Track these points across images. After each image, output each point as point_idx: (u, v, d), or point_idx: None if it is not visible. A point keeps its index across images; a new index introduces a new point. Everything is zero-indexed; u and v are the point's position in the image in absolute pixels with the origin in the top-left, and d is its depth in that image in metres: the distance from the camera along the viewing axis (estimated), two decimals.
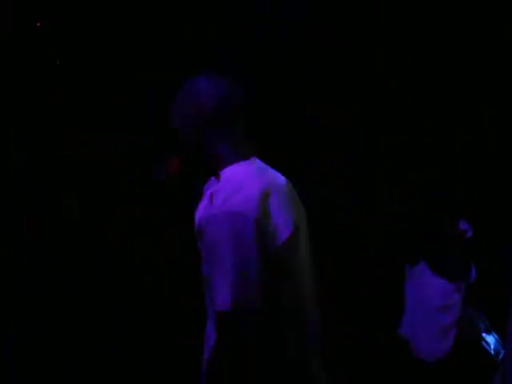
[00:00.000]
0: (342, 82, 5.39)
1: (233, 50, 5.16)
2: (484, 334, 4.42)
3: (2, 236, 4.10)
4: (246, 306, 1.87)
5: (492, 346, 4.40)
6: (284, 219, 1.97)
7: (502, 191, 4.89)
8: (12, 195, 4.12)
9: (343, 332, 5.11)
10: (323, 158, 5.39)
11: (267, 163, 2.25)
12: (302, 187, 5.02)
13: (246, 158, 2.10)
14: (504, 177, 4.90)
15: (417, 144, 5.29)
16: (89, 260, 4.50)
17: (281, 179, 2.15)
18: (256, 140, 2.28)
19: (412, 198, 5.02)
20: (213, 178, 2.06)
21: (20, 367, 4.12)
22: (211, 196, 1.98)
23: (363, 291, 5.07)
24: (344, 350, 5.08)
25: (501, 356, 4.31)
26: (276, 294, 1.96)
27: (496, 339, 4.44)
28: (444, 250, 4.69)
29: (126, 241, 4.20)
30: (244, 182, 1.99)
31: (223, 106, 2.10)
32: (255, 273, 1.88)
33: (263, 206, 1.93)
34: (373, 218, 5.11)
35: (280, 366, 2.02)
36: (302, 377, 2.08)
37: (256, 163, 2.13)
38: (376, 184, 5.39)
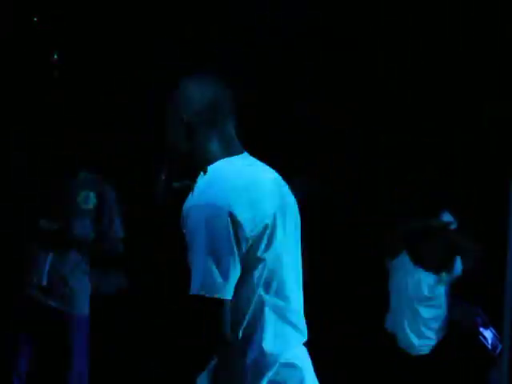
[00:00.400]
0: (341, 81, 5.39)
1: (233, 50, 5.16)
2: (482, 329, 4.42)
3: (1, 236, 4.11)
4: (213, 292, 1.98)
5: (489, 341, 4.41)
6: (260, 211, 2.05)
7: (500, 191, 4.90)
8: (12, 195, 4.12)
9: (343, 332, 5.11)
10: (323, 157, 5.39)
11: (267, 163, 2.29)
12: (301, 185, 5.03)
13: (235, 154, 2.18)
14: (503, 176, 4.90)
15: (417, 144, 5.29)
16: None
17: (268, 174, 2.21)
18: (246, 136, 2.33)
19: (412, 198, 5.03)
20: (202, 172, 2.14)
21: (19, 367, 4.13)
22: (193, 188, 2.09)
23: (363, 291, 5.07)
24: (344, 349, 5.08)
25: (498, 351, 4.31)
26: (250, 282, 2.05)
27: (494, 334, 4.44)
28: (425, 241, 4.68)
29: (126, 241, 4.20)
30: (224, 176, 2.09)
31: (213, 105, 2.18)
32: (226, 262, 1.99)
33: (239, 199, 2.02)
34: (373, 218, 5.11)
35: (252, 356, 2.08)
36: (273, 370, 2.10)
37: (245, 159, 2.20)
38: (376, 184, 5.40)
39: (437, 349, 4.61)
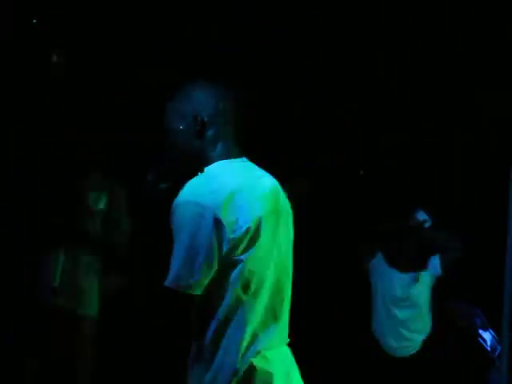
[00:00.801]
0: (341, 81, 5.39)
1: (233, 50, 5.16)
2: (481, 331, 4.40)
3: (1, 236, 4.11)
4: (183, 287, 2.08)
5: (488, 343, 4.39)
6: (244, 215, 2.11)
7: (500, 191, 4.90)
8: (12, 195, 4.13)
9: (342, 331, 5.12)
10: (323, 157, 5.39)
11: (267, 163, 2.33)
12: (301, 186, 5.03)
13: (234, 157, 2.25)
14: (503, 176, 4.90)
15: (417, 144, 5.29)
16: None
17: (262, 180, 2.27)
18: (250, 141, 2.39)
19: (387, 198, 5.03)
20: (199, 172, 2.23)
21: (20, 366, 4.13)
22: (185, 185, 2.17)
23: (357, 291, 5.06)
24: (334, 350, 5.08)
25: (497, 352, 4.30)
26: (225, 281, 2.12)
27: (492, 336, 4.42)
28: (399, 241, 4.65)
29: (128, 241, 4.21)
30: (217, 177, 2.16)
31: (224, 111, 2.27)
32: (202, 260, 2.07)
33: (225, 202, 2.09)
34: (373, 218, 5.11)
35: (222, 354, 2.13)
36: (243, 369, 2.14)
37: (242, 163, 2.27)
38: (376, 184, 5.40)
39: (422, 349, 4.57)
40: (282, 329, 2.26)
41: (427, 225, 4.57)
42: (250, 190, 2.18)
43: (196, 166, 2.22)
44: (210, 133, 2.23)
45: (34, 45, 5.11)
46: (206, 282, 2.09)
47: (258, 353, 2.16)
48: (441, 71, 5.21)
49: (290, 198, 2.37)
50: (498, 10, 4.95)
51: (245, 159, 2.29)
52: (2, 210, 4.14)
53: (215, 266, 2.09)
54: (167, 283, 2.10)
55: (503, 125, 4.95)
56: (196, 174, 2.19)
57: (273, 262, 2.23)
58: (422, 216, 4.59)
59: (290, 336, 2.32)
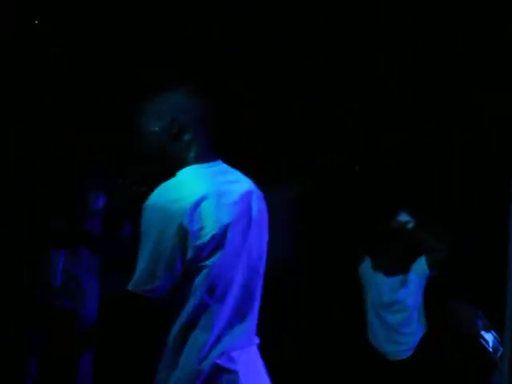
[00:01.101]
0: (341, 82, 5.39)
1: (233, 50, 5.16)
2: (483, 332, 4.38)
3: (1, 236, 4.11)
4: (143, 291, 2.12)
5: (490, 344, 4.37)
6: (210, 222, 2.14)
7: (500, 191, 4.89)
8: (12, 195, 4.13)
9: (344, 332, 5.11)
10: (323, 157, 5.38)
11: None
12: (301, 187, 5.03)
13: (208, 161, 2.28)
14: (503, 176, 4.90)
15: (417, 144, 5.28)
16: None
17: (234, 185, 2.29)
18: (246, 136, 2.41)
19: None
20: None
21: (21, 365, 4.14)
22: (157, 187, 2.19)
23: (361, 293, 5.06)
24: (345, 349, 5.08)
25: (499, 354, 4.28)
26: (191, 286, 2.15)
27: (494, 337, 4.40)
28: (383, 245, 4.62)
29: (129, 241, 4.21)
30: (186, 183, 2.18)
31: (201, 116, 2.30)
32: (164, 266, 2.10)
33: (192, 210, 2.11)
34: (368, 220, 5.10)
35: (187, 356, 2.16)
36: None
37: (216, 167, 2.29)
38: (374, 184, 5.39)
39: (420, 350, 4.55)
40: (249, 329, 2.30)
41: (410, 226, 4.53)
42: (219, 196, 2.20)
43: (170, 168, 2.24)
44: (186, 136, 2.25)
45: (33, 45, 5.11)
46: (167, 286, 2.12)
47: (223, 353, 2.19)
48: (441, 71, 5.21)
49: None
50: (498, 10, 4.95)
51: (220, 162, 2.32)
52: (1, 209, 4.14)
53: (178, 272, 2.12)
54: (130, 287, 2.13)
55: (503, 125, 4.95)
56: (169, 177, 2.21)
57: (242, 265, 2.26)
58: (404, 217, 4.54)
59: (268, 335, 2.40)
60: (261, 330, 4.95)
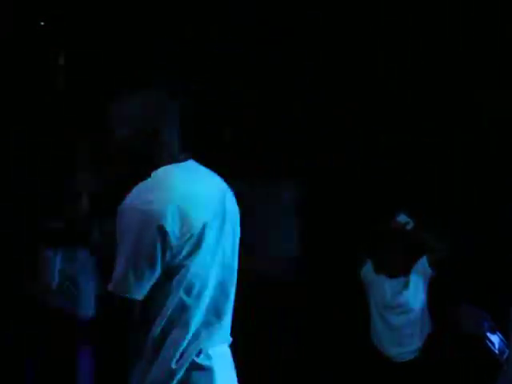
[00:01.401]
0: (341, 81, 5.38)
1: (233, 50, 5.16)
2: (488, 334, 4.37)
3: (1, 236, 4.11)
4: (124, 292, 2.13)
5: (496, 346, 4.36)
6: (187, 222, 2.15)
7: (500, 191, 4.89)
8: (12, 195, 4.13)
9: (344, 332, 5.11)
10: (323, 157, 5.38)
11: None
12: (300, 187, 5.01)
13: (181, 161, 2.30)
14: (503, 176, 4.90)
15: (417, 144, 5.28)
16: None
17: (209, 184, 2.32)
18: (247, 136, 2.43)
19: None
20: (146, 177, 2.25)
21: (20, 365, 4.14)
22: (132, 189, 2.20)
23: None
24: (346, 349, 5.08)
25: (505, 356, 4.27)
26: (169, 285, 2.18)
27: (500, 339, 4.39)
28: (384, 247, 4.61)
29: None
30: (163, 183, 2.19)
31: (165, 117, 2.30)
32: (144, 266, 2.12)
33: (172, 208, 2.12)
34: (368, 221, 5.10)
35: (164, 355, 2.18)
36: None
37: (190, 166, 2.32)
38: (376, 184, 5.39)
39: (424, 352, 4.53)
40: (224, 327, 2.33)
41: (409, 227, 4.52)
42: (195, 195, 2.22)
43: (143, 169, 2.24)
44: (159, 136, 2.26)
45: (34, 45, 5.11)
46: (147, 286, 2.14)
47: (200, 351, 2.22)
48: (441, 71, 5.20)
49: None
50: (498, 10, 4.95)
51: (192, 161, 2.33)
52: (1, 209, 4.15)
53: (158, 272, 2.14)
54: (110, 287, 2.15)
55: (503, 125, 4.95)
56: (142, 177, 2.21)
57: (217, 263, 2.28)
58: (403, 218, 4.54)
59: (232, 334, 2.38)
60: (262, 331, 4.94)
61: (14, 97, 4.96)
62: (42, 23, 5.15)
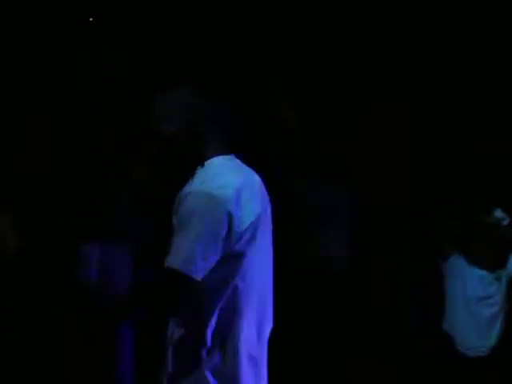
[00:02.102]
0: (341, 81, 5.39)
1: (232, 49, 5.17)
2: None
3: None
4: (190, 271, 2.15)
5: None
6: (248, 210, 2.25)
7: None
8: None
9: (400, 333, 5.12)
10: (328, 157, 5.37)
11: (267, 164, 2.39)
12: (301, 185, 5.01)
13: (226, 154, 2.37)
14: None
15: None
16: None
17: (253, 176, 2.41)
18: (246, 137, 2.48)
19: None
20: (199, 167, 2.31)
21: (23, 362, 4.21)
22: (192, 177, 2.26)
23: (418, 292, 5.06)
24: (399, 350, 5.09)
25: None
26: (227, 271, 2.23)
27: None
28: (478, 240, 4.65)
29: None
30: (223, 172, 2.27)
31: (208, 111, 2.35)
32: (210, 249, 2.17)
33: (235, 196, 2.20)
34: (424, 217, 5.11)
35: (231, 336, 2.24)
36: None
37: (234, 160, 2.40)
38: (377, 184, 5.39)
39: (495, 349, 4.56)
40: (270, 317, 2.40)
41: (505, 223, 4.59)
42: (249, 186, 2.30)
43: (190, 164, 2.29)
44: (203, 133, 2.30)
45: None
46: (209, 269, 2.16)
47: (260, 335, 2.32)
48: (440, 71, 5.22)
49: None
50: (498, 10, 4.96)
51: (233, 157, 2.39)
52: (43, 206, 4.22)
53: (219, 256, 2.18)
54: (173, 265, 2.15)
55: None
56: (190, 172, 2.27)
57: (266, 252, 2.38)
58: (499, 214, 4.61)
59: None
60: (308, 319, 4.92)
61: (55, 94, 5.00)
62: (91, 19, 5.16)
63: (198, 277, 2.15)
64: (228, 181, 2.23)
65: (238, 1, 5.30)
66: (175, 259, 2.16)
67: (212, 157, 2.30)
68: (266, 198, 2.42)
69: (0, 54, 4.96)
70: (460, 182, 5.27)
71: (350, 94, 5.45)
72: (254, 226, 2.26)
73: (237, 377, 2.25)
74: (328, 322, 4.96)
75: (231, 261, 2.21)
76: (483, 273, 4.61)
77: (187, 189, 2.22)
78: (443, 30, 5.20)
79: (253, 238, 2.25)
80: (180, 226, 2.18)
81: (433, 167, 5.40)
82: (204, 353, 2.22)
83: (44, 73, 5.07)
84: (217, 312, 2.22)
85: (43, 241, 4.28)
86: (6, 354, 4.14)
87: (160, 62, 5.15)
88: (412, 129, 5.44)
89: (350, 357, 5.02)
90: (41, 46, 5.08)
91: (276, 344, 2.49)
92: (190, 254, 2.15)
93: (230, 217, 2.16)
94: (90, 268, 4.14)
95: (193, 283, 2.15)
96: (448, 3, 5.15)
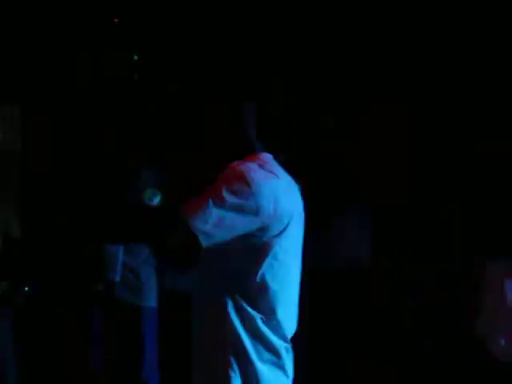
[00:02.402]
0: (342, 81, 5.39)
1: (232, 49, 5.17)
2: None
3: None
4: (195, 229, 2.12)
5: None
6: (285, 206, 2.24)
7: None
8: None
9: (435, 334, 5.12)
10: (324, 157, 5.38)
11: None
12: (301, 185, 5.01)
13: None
14: None
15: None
16: None
17: (292, 180, 2.41)
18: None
19: None
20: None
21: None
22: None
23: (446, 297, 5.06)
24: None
25: None
26: (258, 265, 2.22)
27: None
28: None
29: None
30: (265, 168, 2.27)
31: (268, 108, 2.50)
32: (229, 223, 2.15)
33: (276, 189, 2.22)
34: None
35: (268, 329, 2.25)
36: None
37: (274, 162, 2.39)
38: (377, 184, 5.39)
39: None
40: (296, 318, 2.38)
41: None
42: (284, 184, 2.30)
43: (243, 152, 2.33)
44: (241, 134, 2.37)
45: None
46: (215, 241, 2.14)
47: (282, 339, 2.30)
48: (440, 72, 5.21)
49: None
50: (498, 10, 4.95)
51: (271, 158, 2.40)
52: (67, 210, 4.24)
53: (232, 236, 2.16)
54: (187, 212, 2.13)
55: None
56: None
57: (297, 253, 2.35)
58: None
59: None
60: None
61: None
62: (116, 20, 5.17)
63: (201, 239, 2.13)
64: (267, 174, 2.23)
65: (238, 1, 5.29)
66: (191, 210, 2.13)
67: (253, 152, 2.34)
68: (301, 202, 2.41)
69: (0, 53, 4.96)
70: (460, 182, 5.27)
71: (350, 94, 5.45)
72: (286, 225, 2.24)
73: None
74: (328, 321, 4.97)
75: (259, 251, 2.21)
76: None
77: (238, 163, 2.22)
78: (443, 30, 5.20)
79: (282, 233, 2.23)
80: (212, 186, 2.18)
81: (433, 167, 5.40)
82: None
83: (44, 73, 5.07)
84: (237, 304, 2.21)
85: (43, 240, 4.29)
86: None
87: (160, 62, 5.16)
88: (412, 129, 5.44)
89: (350, 357, 5.03)
90: (41, 46, 5.08)
91: None
92: (203, 212, 2.12)
93: (257, 203, 2.16)
94: (116, 268, 4.17)
95: (194, 242, 2.13)
96: (448, 3, 5.15)
